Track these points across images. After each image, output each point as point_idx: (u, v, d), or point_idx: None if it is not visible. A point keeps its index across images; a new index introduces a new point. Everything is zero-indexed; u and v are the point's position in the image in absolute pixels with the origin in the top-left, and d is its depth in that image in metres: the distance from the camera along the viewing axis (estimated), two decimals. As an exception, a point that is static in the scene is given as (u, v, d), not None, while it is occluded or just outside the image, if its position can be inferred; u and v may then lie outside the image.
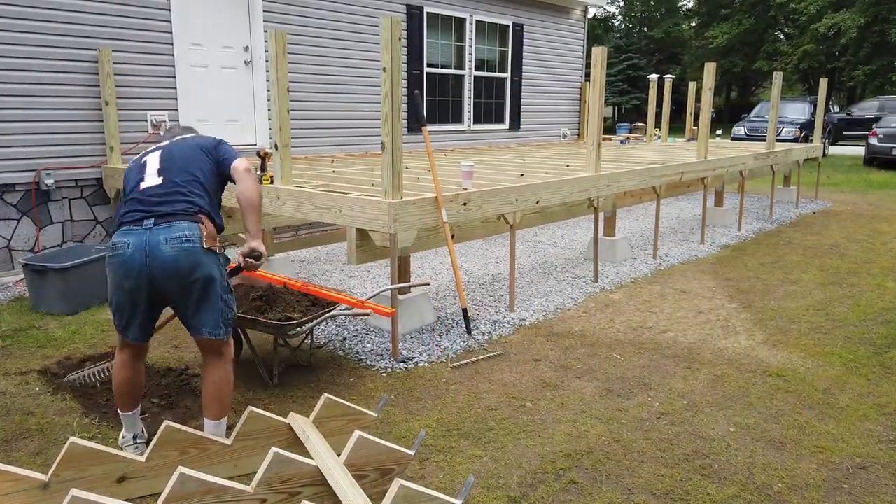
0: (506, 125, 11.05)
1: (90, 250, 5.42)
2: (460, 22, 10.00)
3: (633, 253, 7.17)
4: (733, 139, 16.76)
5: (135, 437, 3.02)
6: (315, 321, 3.70)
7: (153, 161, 2.93)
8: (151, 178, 2.86)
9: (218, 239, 2.89)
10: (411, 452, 2.72)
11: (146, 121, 6.79)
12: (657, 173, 6.64)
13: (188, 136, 3.13)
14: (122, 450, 2.96)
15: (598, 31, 37.55)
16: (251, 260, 3.03)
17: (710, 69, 7.41)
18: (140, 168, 2.94)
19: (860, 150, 18.79)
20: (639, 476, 2.92)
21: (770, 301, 5.51)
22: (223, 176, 3.05)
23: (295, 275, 6.23)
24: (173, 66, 6.91)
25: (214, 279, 2.80)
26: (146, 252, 2.68)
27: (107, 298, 2.86)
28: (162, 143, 3.05)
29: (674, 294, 5.70)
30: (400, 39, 4.01)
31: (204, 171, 2.94)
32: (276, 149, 4.89)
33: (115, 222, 2.87)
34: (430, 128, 9.72)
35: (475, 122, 10.56)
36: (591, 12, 12.59)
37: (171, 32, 6.85)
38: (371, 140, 8.77)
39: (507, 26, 10.72)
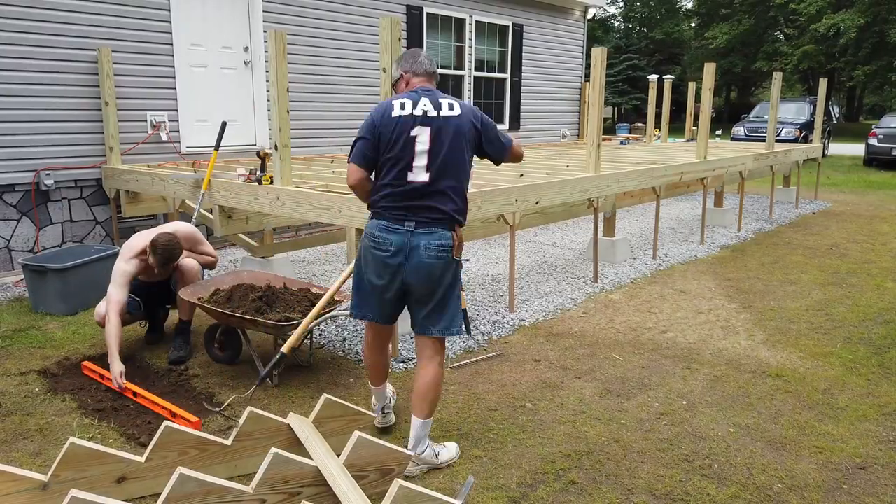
0: (506, 125, 11.05)
1: (90, 251, 5.42)
2: (460, 22, 10.00)
3: (633, 253, 7.17)
4: (733, 139, 16.77)
5: (383, 409, 3.23)
6: (315, 321, 3.70)
7: (422, 147, 2.75)
8: (419, 173, 2.76)
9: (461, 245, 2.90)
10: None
11: (146, 121, 6.80)
12: (657, 174, 6.64)
13: (453, 109, 2.83)
14: (374, 411, 3.24)
15: (597, 31, 37.56)
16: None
17: (709, 69, 7.42)
18: (408, 148, 2.75)
19: (860, 151, 18.80)
20: (638, 476, 2.92)
21: (770, 301, 5.51)
22: (485, 156, 3.02)
23: (295, 275, 6.23)
24: (173, 67, 6.91)
25: (455, 285, 2.89)
26: (406, 253, 2.77)
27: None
28: (429, 112, 2.78)
29: (673, 294, 5.70)
30: (399, 40, 4.01)
31: (465, 171, 2.88)
32: (276, 149, 4.89)
33: (370, 194, 2.87)
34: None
35: (475, 122, 10.55)
36: (591, 13, 12.58)
37: (170, 32, 6.85)
38: (371, 140, 8.75)
39: (507, 27, 10.72)
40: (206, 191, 5.35)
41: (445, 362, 4.16)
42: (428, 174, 2.76)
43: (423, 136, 2.75)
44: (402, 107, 2.79)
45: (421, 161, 2.76)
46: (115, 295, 3.86)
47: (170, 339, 4.41)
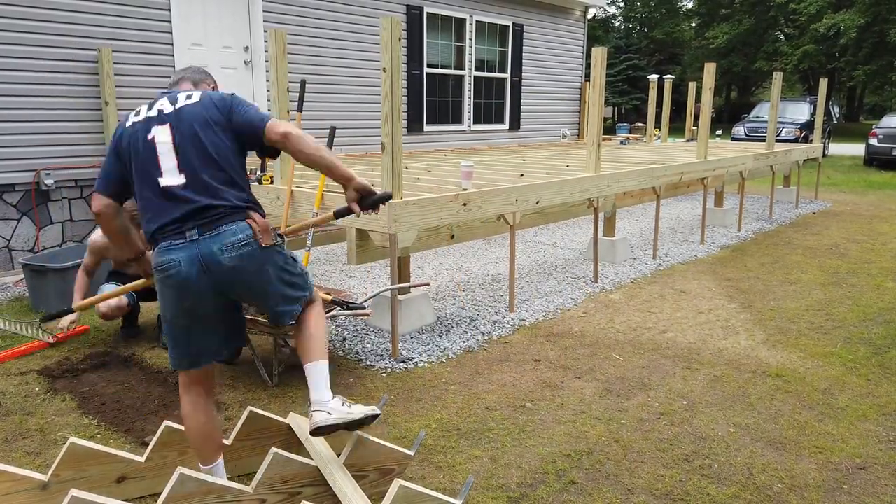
0: (506, 125, 11.05)
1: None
2: (460, 22, 10.00)
3: (633, 253, 7.17)
4: (733, 139, 16.77)
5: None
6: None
7: (165, 149, 2.35)
8: (171, 176, 2.33)
9: (271, 228, 2.45)
10: (411, 452, 2.72)
11: (146, 121, 6.79)
12: (657, 174, 6.64)
13: (191, 98, 2.45)
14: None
15: (598, 31, 37.55)
16: (372, 203, 2.60)
17: (710, 69, 7.41)
18: (150, 156, 2.35)
19: (860, 151, 18.80)
20: (638, 476, 2.92)
21: (770, 301, 5.51)
22: (248, 143, 2.48)
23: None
24: (173, 67, 6.90)
25: (279, 270, 2.45)
26: (202, 265, 2.29)
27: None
28: (165, 110, 2.41)
29: (673, 294, 5.69)
30: (400, 40, 4.01)
31: (225, 156, 2.39)
32: (276, 149, 4.87)
33: (134, 219, 2.51)
34: (430, 128, 9.73)
35: (475, 122, 10.56)
36: (591, 13, 12.58)
37: (171, 32, 6.85)
38: (371, 140, 8.77)
39: (507, 27, 10.72)
40: (319, 209, 4.62)
41: (445, 361, 4.16)
42: (182, 174, 2.32)
43: (162, 136, 2.35)
44: (137, 113, 2.43)
45: (169, 162, 2.33)
46: (86, 261, 4.46)
47: (149, 336, 4.56)
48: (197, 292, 2.32)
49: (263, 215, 2.46)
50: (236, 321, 2.59)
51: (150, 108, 2.43)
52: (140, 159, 2.36)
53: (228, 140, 2.41)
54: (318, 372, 2.48)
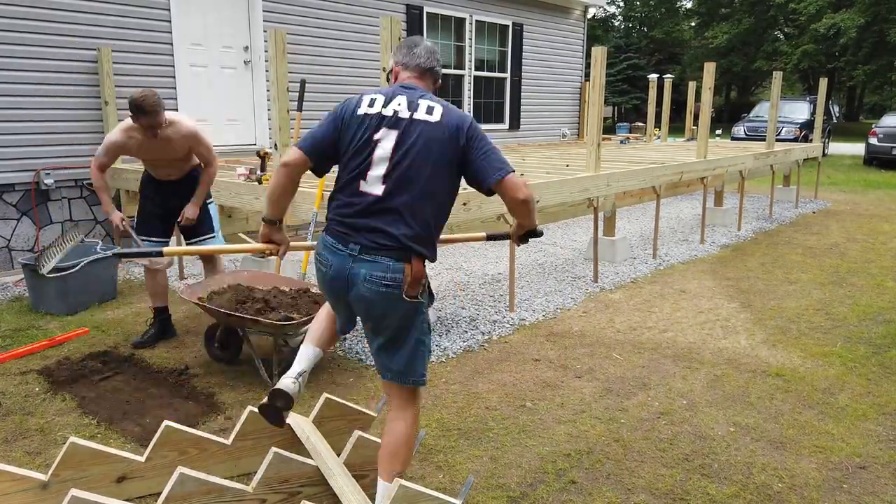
0: (506, 125, 11.05)
1: (90, 250, 5.41)
2: (460, 22, 10.00)
3: (633, 253, 7.17)
4: (733, 139, 16.76)
5: (299, 374, 2.52)
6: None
7: (382, 153, 2.25)
8: (372, 184, 2.25)
9: (425, 281, 2.33)
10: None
11: (146, 121, 6.79)
12: (657, 173, 6.64)
13: (432, 114, 2.29)
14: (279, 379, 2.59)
15: (597, 31, 37.55)
16: (526, 240, 2.70)
17: (709, 69, 7.42)
18: (367, 152, 2.27)
19: (860, 150, 18.80)
20: (639, 476, 2.92)
21: (770, 301, 5.51)
22: (469, 181, 2.41)
23: (295, 275, 6.22)
24: (173, 66, 6.91)
25: (411, 325, 2.33)
26: (346, 280, 2.27)
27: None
28: (401, 114, 2.29)
29: (673, 294, 5.70)
30: (399, 39, 4.01)
31: (435, 191, 2.28)
32: (276, 149, 4.89)
33: (288, 186, 2.44)
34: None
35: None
36: (591, 12, 12.58)
37: (170, 32, 6.85)
38: (371, 140, 8.76)
39: (507, 26, 10.72)
40: (318, 209, 4.57)
41: (445, 361, 4.16)
42: (383, 186, 2.24)
43: (386, 141, 2.25)
44: (371, 103, 2.32)
45: (378, 170, 2.24)
46: (103, 162, 4.25)
47: (169, 340, 4.47)
48: (337, 294, 2.36)
49: (432, 260, 2.36)
50: None
51: (386, 104, 2.31)
52: (353, 152, 2.29)
53: (447, 180, 2.32)
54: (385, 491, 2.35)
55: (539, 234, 2.71)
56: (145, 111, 3.95)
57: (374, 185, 2.25)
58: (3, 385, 3.77)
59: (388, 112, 2.29)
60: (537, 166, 6.77)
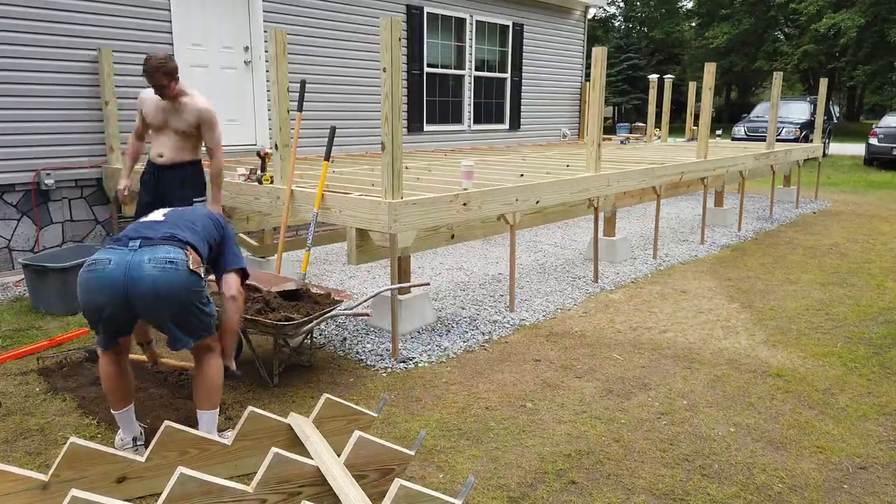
0: (506, 125, 11.05)
1: (90, 250, 5.42)
2: (460, 22, 10.00)
3: (633, 253, 7.17)
4: (733, 139, 16.76)
5: (134, 440, 3.01)
6: (315, 322, 3.70)
7: (158, 212, 3.08)
8: (154, 216, 3.01)
9: (202, 268, 2.91)
10: (411, 452, 2.72)
11: (146, 121, 6.79)
12: (657, 173, 6.64)
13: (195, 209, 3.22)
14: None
15: (598, 31, 37.56)
16: None
17: (710, 69, 7.41)
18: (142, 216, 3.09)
19: (860, 150, 18.80)
20: (639, 476, 2.92)
21: (770, 301, 5.51)
22: (216, 261, 3.15)
23: (295, 275, 6.23)
24: (173, 67, 6.90)
25: (192, 299, 2.81)
26: (126, 270, 2.68)
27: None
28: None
29: (674, 294, 5.69)
30: (400, 40, 4.01)
31: (207, 232, 3.04)
32: (276, 149, 4.89)
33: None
34: (430, 128, 9.73)
35: (475, 122, 10.56)
36: (591, 13, 12.58)
37: (171, 32, 6.85)
38: (371, 140, 8.77)
39: (507, 26, 10.72)
40: (318, 209, 4.55)
41: (446, 361, 4.16)
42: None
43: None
44: None
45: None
46: (131, 143, 4.83)
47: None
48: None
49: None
50: None
51: None
52: None
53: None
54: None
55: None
56: (146, 71, 4.29)
57: (154, 216, 3.07)
58: (3, 385, 3.77)
59: None
60: (537, 166, 6.77)
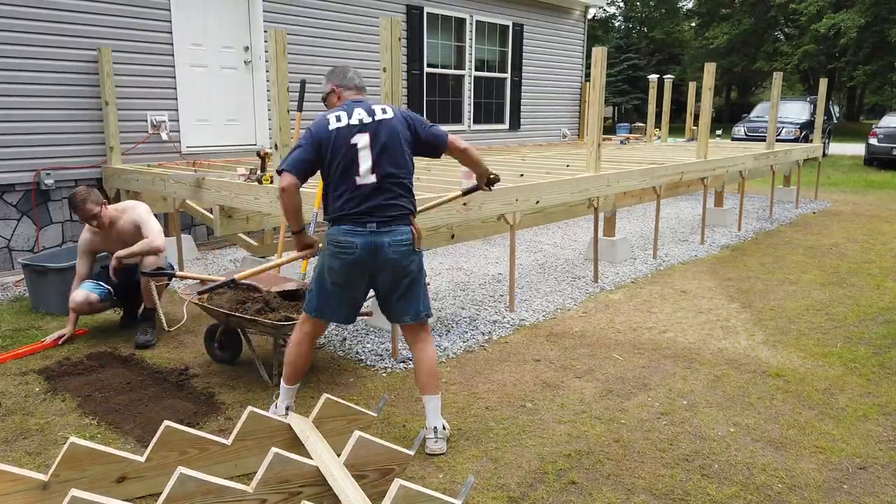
0: (506, 125, 11.05)
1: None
2: (460, 22, 10.01)
3: (633, 253, 7.17)
4: (733, 139, 16.76)
5: (287, 409, 3.21)
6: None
7: (364, 152, 2.97)
8: (366, 176, 2.97)
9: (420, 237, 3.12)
10: (411, 452, 2.72)
11: (146, 121, 6.80)
12: (657, 173, 6.64)
13: (386, 113, 3.07)
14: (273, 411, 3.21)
15: (598, 31, 37.56)
16: (493, 183, 3.54)
17: (710, 69, 7.42)
18: (351, 156, 2.96)
19: (860, 151, 18.80)
20: (639, 476, 2.92)
21: (770, 301, 5.51)
22: (427, 154, 3.24)
23: (295, 275, 6.22)
24: (173, 66, 6.91)
25: (420, 276, 3.12)
26: (371, 251, 2.95)
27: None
28: (365, 120, 3.01)
29: (674, 294, 5.70)
30: (400, 40, 4.01)
31: (408, 167, 3.09)
32: (276, 149, 4.89)
33: (323, 203, 3.09)
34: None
35: (475, 122, 10.56)
36: (591, 13, 12.59)
37: (170, 32, 6.85)
38: (371, 140, 8.76)
39: (507, 26, 10.72)
40: (319, 209, 4.45)
41: (445, 361, 4.16)
42: (373, 175, 2.96)
43: (363, 142, 2.97)
44: (338, 119, 3.00)
45: (365, 164, 2.96)
46: (78, 268, 4.58)
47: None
48: (360, 272, 3.03)
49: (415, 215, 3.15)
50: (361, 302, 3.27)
51: (350, 117, 3.00)
52: (340, 158, 2.96)
53: (410, 155, 3.10)
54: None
55: (496, 180, 3.54)
56: (74, 206, 4.31)
57: (366, 176, 2.97)
58: (3, 385, 3.77)
59: (354, 121, 3.01)
60: (537, 166, 6.77)
